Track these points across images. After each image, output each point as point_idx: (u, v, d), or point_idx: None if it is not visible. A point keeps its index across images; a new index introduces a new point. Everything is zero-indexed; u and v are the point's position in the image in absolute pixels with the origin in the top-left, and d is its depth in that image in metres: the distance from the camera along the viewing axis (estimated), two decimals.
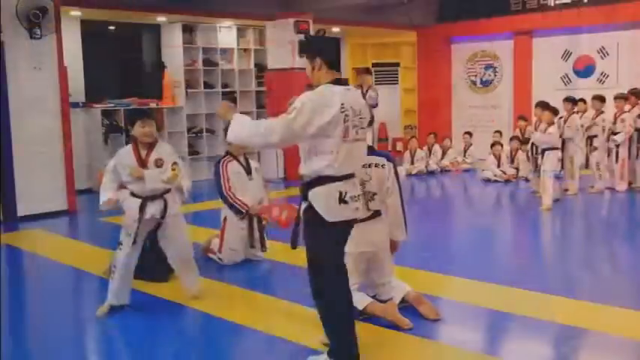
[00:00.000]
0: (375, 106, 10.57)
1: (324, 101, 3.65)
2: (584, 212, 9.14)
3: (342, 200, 3.72)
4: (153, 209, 4.87)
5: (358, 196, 3.86)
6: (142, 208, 4.83)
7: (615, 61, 12.68)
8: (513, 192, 10.67)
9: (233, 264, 6.25)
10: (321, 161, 3.69)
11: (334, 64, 3.83)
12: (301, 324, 4.68)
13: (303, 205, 3.80)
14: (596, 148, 10.09)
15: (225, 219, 6.30)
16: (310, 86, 3.90)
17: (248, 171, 6.40)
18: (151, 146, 4.90)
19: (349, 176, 3.78)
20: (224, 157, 6.42)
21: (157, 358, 4.32)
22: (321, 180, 3.70)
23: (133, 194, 4.90)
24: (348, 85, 3.92)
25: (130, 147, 4.97)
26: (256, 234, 6.34)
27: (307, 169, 3.76)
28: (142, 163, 4.85)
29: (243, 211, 6.19)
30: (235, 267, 6.22)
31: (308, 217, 3.77)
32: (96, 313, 4.88)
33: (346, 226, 3.86)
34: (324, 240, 3.78)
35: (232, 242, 6.26)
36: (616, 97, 10.20)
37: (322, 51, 3.81)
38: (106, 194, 4.90)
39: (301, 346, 4.25)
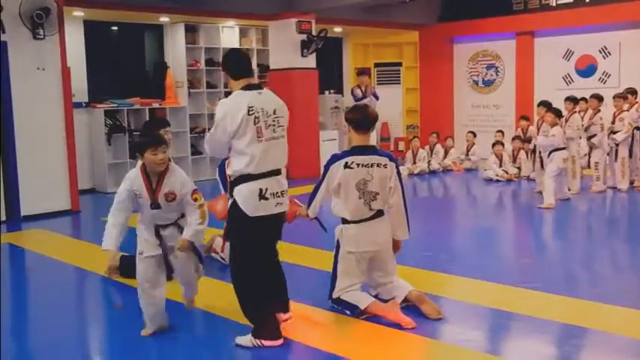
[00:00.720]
0: (359, 99, 10.78)
1: (234, 107, 4.05)
2: (585, 211, 9.14)
3: (262, 197, 4.07)
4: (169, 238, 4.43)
5: (281, 192, 4.20)
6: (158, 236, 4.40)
7: (617, 60, 12.68)
8: (515, 191, 10.67)
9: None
10: (240, 161, 4.07)
11: (238, 73, 4.20)
12: (304, 323, 4.70)
13: (229, 202, 4.20)
14: (594, 147, 10.07)
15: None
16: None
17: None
18: (161, 175, 4.30)
19: (270, 173, 4.13)
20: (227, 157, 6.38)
21: (158, 357, 4.34)
22: (243, 178, 4.07)
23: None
24: (261, 89, 4.24)
25: (137, 172, 4.33)
26: None
27: (231, 169, 4.17)
28: (153, 197, 4.28)
29: None
30: None
31: (232, 213, 4.17)
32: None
33: (271, 221, 4.17)
34: (246, 233, 4.15)
35: None
36: (615, 97, 10.21)
37: (226, 65, 4.26)
38: (109, 242, 4.32)
39: (304, 344, 4.27)
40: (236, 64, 4.25)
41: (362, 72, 12.41)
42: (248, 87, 4.15)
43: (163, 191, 4.27)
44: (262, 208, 4.07)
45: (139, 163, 4.35)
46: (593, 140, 10.02)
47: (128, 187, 4.29)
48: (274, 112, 4.18)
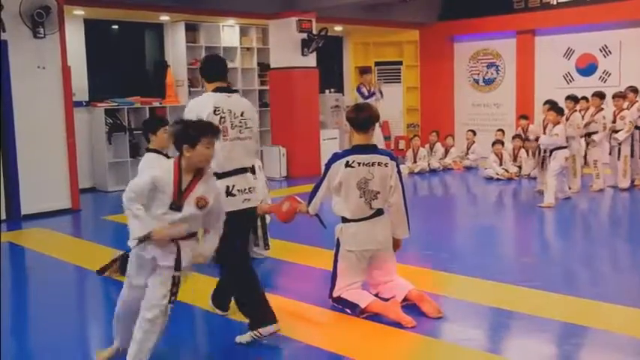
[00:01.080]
0: (367, 97, 10.87)
1: (199, 107, 4.25)
2: (586, 210, 9.14)
3: (229, 193, 4.25)
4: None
5: (249, 189, 4.38)
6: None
7: (617, 59, 12.67)
8: (516, 190, 10.67)
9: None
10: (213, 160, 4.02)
11: (211, 77, 4.43)
12: (305, 322, 4.71)
13: None
14: (594, 145, 10.06)
15: None
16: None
17: (253, 170, 6.40)
18: (197, 175, 3.70)
19: (237, 171, 4.32)
20: None
21: (158, 356, 4.34)
22: (216, 176, 4.13)
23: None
24: (232, 92, 4.48)
25: (171, 166, 3.70)
26: (259, 232, 6.37)
27: None
28: (180, 198, 3.63)
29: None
30: None
31: None
32: None
33: (240, 216, 4.29)
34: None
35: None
36: (614, 96, 10.20)
37: (201, 68, 4.57)
38: (147, 225, 3.58)
39: (305, 343, 4.27)
40: (210, 68, 4.49)
41: (365, 70, 12.45)
42: (218, 89, 4.37)
43: (195, 194, 3.64)
44: (230, 204, 4.20)
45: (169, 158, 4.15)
46: (594, 137, 10.01)
47: (154, 178, 3.62)
48: (242, 115, 4.37)
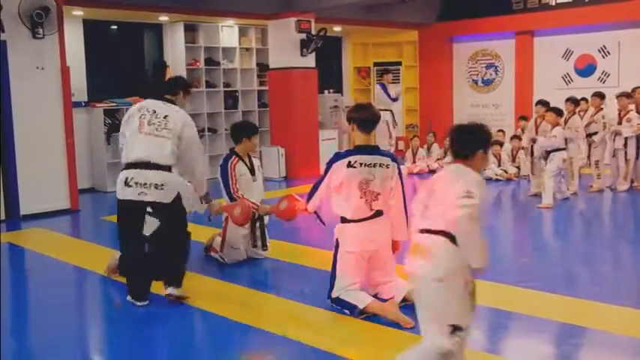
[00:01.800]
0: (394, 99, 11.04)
1: (133, 109, 5.15)
2: (584, 211, 9.15)
3: (126, 184, 4.91)
4: None
5: (148, 184, 4.86)
6: None
7: (616, 60, 12.69)
8: (514, 191, 10.68)
9: (235, 263, 6.27)
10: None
11: (154, 94, 5.24)
12: (303, 322, 4.71)
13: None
14: (595, 145, 10.05)
15: (226, 218, 6.30)
16: None
17: (252, 172, 6.42)
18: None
19: (136, 165, 4.89)
20: (231, 157, 6.38)
21: (158, 357, 4.35)
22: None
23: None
24: (169, 102, 5.14)
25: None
26: (258, 232, 6.36)
27: None
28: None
29: (253, 211, 6.19)
30: (237, 266, 6.24)
31: None
32: None
33: (137, 206, 4.92)
34: (118, 212, 5.13)
35: (234, 241, 6.27)
36: (619, 96, 10.13)
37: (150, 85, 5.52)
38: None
39: (303, 344, 4.28)
40: (157, 87, 5.60)
41: (387, 70, 12.63)
42: (160, 98, 5.18)
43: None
44: (125, 193, 4.94)
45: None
46: (594, 138, 10.00)
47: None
48: (165, 117, 5.00)
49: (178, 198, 5.03)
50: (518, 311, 4.79)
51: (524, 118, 11.87)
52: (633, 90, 10.21)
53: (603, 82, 12.71)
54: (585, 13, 12.40)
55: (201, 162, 5.47)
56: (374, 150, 4.77)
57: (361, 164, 4.65)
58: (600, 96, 10.15)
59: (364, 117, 4.73)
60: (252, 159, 6.50)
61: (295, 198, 5.21)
